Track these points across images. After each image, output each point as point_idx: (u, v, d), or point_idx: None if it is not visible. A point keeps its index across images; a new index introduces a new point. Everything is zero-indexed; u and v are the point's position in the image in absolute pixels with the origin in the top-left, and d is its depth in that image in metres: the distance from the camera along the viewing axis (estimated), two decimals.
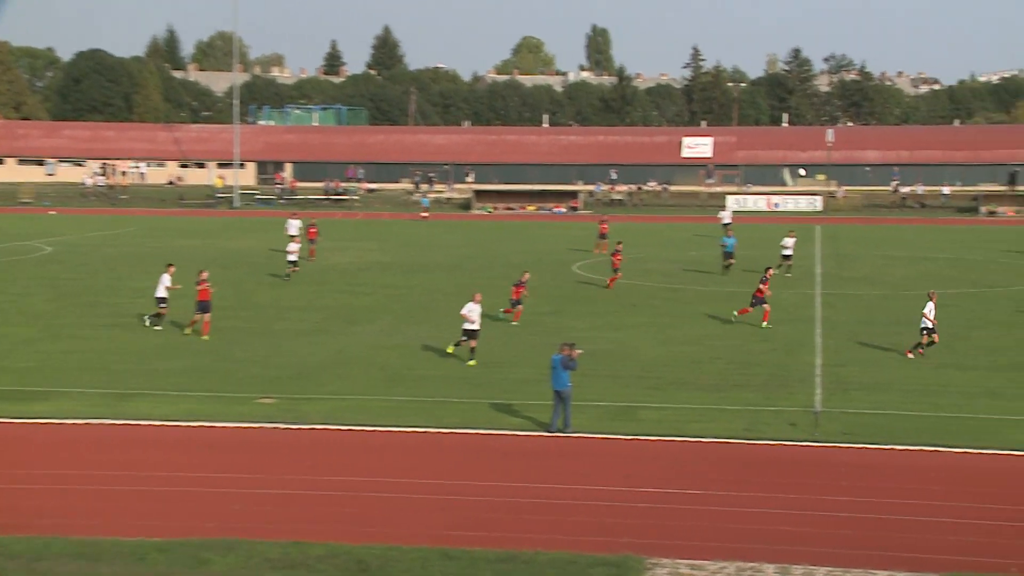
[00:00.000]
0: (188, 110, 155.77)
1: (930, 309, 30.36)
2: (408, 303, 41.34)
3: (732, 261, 48.44)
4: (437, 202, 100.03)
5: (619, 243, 46.39)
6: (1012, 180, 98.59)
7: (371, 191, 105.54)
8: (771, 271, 37.63)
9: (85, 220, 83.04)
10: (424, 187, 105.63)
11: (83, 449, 21.65)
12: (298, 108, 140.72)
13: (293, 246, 48.25)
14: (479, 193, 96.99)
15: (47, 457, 20.98)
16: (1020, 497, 18.76)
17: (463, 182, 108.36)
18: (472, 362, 29.62)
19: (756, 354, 31.18)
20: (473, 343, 30.04)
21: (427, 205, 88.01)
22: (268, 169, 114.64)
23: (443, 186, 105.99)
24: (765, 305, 35.63)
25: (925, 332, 30.19)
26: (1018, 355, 30.27)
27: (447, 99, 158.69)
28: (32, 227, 75.04)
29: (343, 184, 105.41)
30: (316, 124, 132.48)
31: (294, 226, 57.47)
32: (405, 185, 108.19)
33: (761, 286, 35.75)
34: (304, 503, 18.45)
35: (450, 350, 30.63)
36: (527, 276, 37.98)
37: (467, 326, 30.14)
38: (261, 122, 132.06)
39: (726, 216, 69.16)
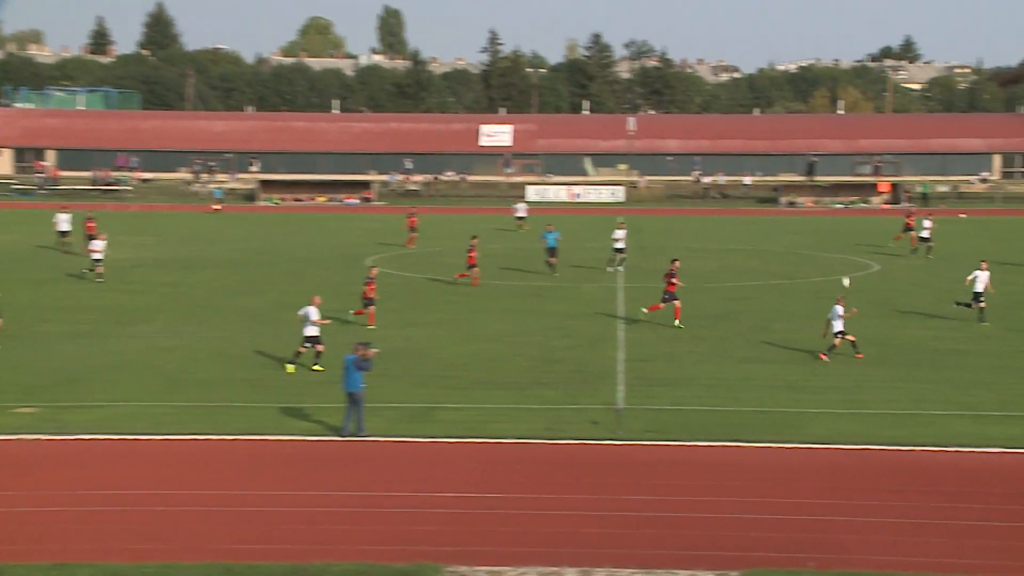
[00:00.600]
0: None
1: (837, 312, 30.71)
2: (188, 302, 40.37)
3: (555, 259, 47.46)
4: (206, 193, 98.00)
5: (473, 238, 45.36)
6: (810, 170, 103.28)
7: (146, 181, 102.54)
8: (676, 263, 36.23)
9: None
10: (205, 177, 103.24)
11: None
12: (60, 90, 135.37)
13: (97, 243, 45.87)
14: (265, 183, 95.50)
15: None
16: (818, 491, 19.70)
17: (247, 172, 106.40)
18: (318, 367, 28.73)
19: (558, 350, 31.76)
20: (320, 347, 29.08)
21: (220, 196, 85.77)
22: (27, 156, 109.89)
23: (225, 176, 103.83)
24: (676, 301, 35.19)
25: (839, 334, 30.53)
26: (817, 347, 31.75)
27: (228, 82, 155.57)
28: None
29: (114, 173, 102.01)
30: (82, 108, 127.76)
31: (64, 220, 55.32)
32: (183, 175, 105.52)
33: (673, 280, 35.52)
34: (69, 520, 17.80)
35: (290, 369, 28.88)
36: (375, 271, 37.19)
37: (308, 331, 29.14)
38: (18, 104, 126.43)
39: (521, 209, 69.61)
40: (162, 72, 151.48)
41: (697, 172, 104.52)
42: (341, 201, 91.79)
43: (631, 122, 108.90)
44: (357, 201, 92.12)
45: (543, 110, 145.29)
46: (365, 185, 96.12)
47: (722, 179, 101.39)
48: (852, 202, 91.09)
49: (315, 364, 28.90)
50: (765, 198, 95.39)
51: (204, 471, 20.62)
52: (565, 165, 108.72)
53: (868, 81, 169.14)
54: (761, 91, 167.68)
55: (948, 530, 17.74)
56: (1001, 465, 21.29)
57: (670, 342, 32.54)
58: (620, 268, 47.67)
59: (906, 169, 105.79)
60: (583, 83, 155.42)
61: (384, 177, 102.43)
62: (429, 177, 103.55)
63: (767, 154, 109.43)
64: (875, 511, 18.64)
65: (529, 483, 20.03)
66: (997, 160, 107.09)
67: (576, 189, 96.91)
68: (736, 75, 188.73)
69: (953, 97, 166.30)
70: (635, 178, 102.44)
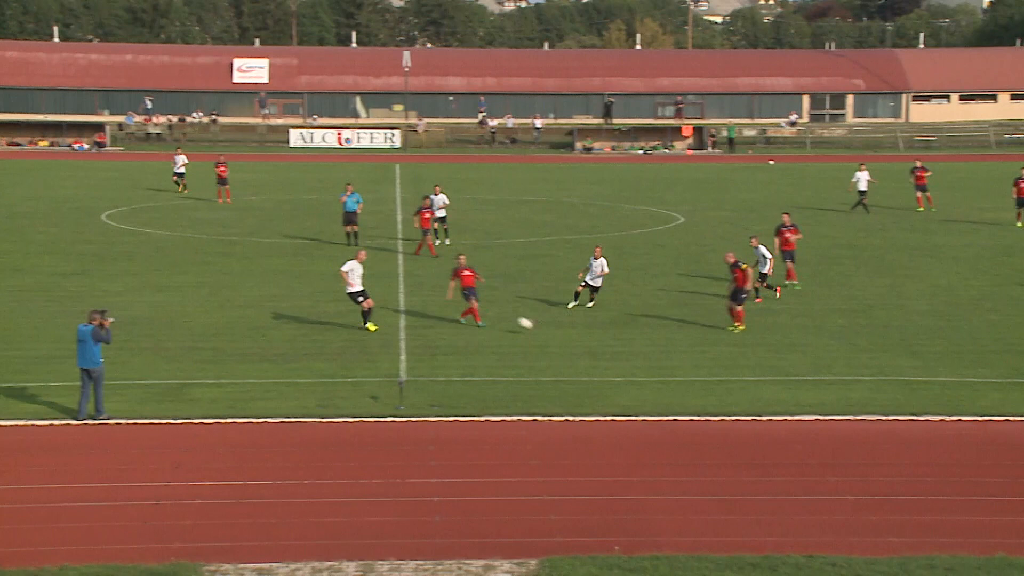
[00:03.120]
0: None
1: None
2: None
3: (355, 227, 43.65)
4: None
5: (426, 198, 42.44)
6: (608, 112, 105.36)
7: None
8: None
9: None
10: None
11: None
12: None
13: None
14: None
15: None
16: (623, 467, 20.28)
17: None
18: (372, 326, 29.96)
19: (330, 316, 31.68)
20: (367, 303, 30.12)
21: None
22: None
23: None
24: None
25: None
26: (619, 309, 32.59)
27: None
28: None
29: None
30: None
31: None
32: None
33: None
34: None
35: (372, 327, 30.03)
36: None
37: (349, 289, 30.11)
38: None
39: (179, 163, 60.81)
40: None
41: (482, 114, 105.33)
42: (69, 146, 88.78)
43: (406, 57, 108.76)
44: (87, 146, 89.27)
45: (304, 42, 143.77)
46: (97, 127, 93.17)
47: (510, 122, 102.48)
48: (654, 147, 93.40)
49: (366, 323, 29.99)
50: (559, 143, 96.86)
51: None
52: (333, 106, 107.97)
53: (667, 13, 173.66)
54: (551, 23, 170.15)
55: (761, 506, 18.55)
56: (815, 433, 22.36)
57: (456, 305, 32.82)
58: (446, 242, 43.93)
59: (710, 111, 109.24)
60: (350, 11, 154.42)
61: (120, 118, 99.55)
62: (173, 119, 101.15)
63: (560, 94, 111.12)
64: (685, 488, 19.34)
65: (300, 467, 19.98)
66: (806, 101, 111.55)
67: (346, 133, 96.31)
68: (523, 4, 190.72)
69: (757, 31, 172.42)
70: (413, 121, 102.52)
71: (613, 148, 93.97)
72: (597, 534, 17.32)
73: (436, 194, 43.68)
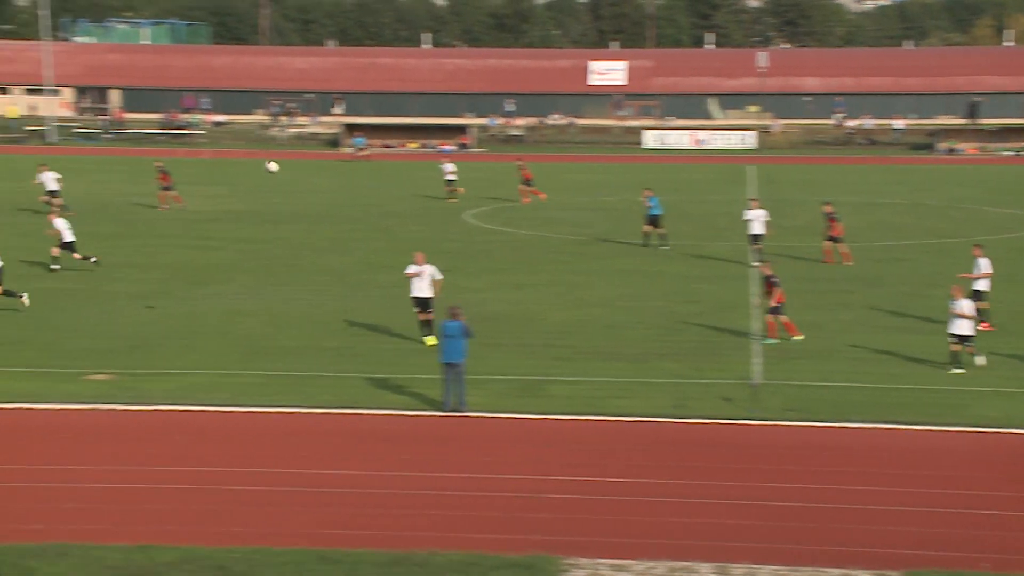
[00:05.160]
0: None
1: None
2: (268, 260, 41.01)
3: (661, 229, 43.30)
4: (299, 138, 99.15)
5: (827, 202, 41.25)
6: (973, 112, 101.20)
7: (219, 124, 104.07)
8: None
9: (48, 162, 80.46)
10: (283, 120, 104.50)
11: None
12: (123, 22, 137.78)
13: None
14: (350, 127, 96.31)
15: None
16: (991, 480, 19.40)
17: (329, 114, 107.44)
18: (430, 340, 27.99)
19: (682, 317, 31.66)
20: (425, 316, 28.49)
21: (362, 144, 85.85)
22: (89, 96, 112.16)
23: (306, 119, 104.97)
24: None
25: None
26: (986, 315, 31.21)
27: (306, 13, 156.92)
28: None
29: (184, 116, 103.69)
30: (146, 42, 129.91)
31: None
32: (260, 117, 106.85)
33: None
34: (149, 499, 18.29)
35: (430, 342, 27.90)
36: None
37: (416, 293, 28.50)
38: (77, 38, 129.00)
39: (448, 171, 59.38)
40: (233, 2, 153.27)
41: (840, 115, 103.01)
42: (435, 148, 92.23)
43: (762, 57, 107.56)
44: (453, 148, 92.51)
45: (661, 44, 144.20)
46: (461, 130, 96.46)
47: (869, 123, 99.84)
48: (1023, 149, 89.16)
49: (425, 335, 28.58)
50: (919, 144, 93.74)
51: (291, 448, 21.01)
52: (687, 107, 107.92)
53: None
54: (913, 20, 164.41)
55: None
56: None
57: (812, 310, 32.20)
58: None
59: None
60: (706, 13, 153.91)
61: (483, 121, 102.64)
62: (533, 120, 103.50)
63: (922, 93, 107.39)
64: None
65: (654, 466, 20.06)
66: None
67: (700, 135, 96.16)
68: (884, 2, 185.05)
69: None
70: (768, 122, 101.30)
71: (979, 149, 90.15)
72: (962, 549, 16.63)
73: (752, 208, 40.75)
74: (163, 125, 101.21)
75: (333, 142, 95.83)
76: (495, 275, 38.01)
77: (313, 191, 62.87)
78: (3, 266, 32.32)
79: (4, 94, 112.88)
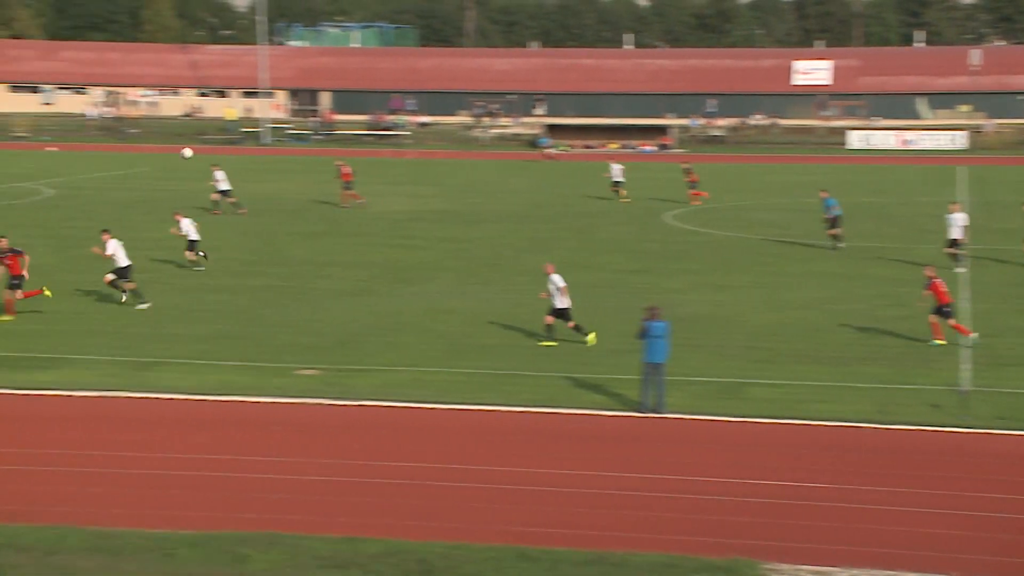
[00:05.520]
0: (205, 28, 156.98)
1: None
2: (470, 259, 41.55)
3: (840, 230, 42.81)
4: (501, 139, 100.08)
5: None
6: None
7: (423, 125, 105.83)
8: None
9: (90, 158, 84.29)
10: (486, 120, 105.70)
11: (98, 426, 22.11)
12: (334, 26, 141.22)
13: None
14: (551, 128, 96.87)
15: (57, 434, 21.47)
16: None
17: (531, 115, 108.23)
18: (591, 337, 28.45)
19: (887, 321, 30.97)
20: (570, 324, 28.50)
21: (548, 144, 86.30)
22: (301, 98, 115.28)
23: (508, 120, 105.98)
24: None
25: None
26: None
27: (510, 16, 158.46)
28: (29, 166, 76.35)
29: (390, 117, 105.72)
30: (356, 45, 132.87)
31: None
32: (463, 118, 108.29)
33: None
34: (355, 492, 18.73)
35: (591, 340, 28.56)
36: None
37: (558, 303, 28.49)
38: (292, 43, 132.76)
39: (617, 172, 59.25)
40: (440, 5, 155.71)
41: None
42: (635, 148, 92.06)
43: (975, 55, 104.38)
44: (653, 148, 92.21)
45: (868, 43, 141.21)
46: (662, 130, 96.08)
47: None
48: None
49: (585, 335, 28.65)
50: None
51: (491, 445, 21.27)
52: (894, 107, 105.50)
53: None
54: None
55: None
56: None
57: (1021, 315, 31.15)
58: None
59: None
60: (916, 10, 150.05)
61: (684, 121, 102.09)
62: (735, 121, 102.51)
63: None
64: None
65: (858, 472, 19.68)
66: None
67: (908, 135, 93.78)
68: None
69: None
70: (980, 121, 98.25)
71: None
72: None
73: (953, 211, 39.35)
74: (370, 126, 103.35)
75: (534, 143, 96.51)
76: (694, 276, 37.78)
77: (513, 191, 63.45)
78: (131, 265, 33.06)
79: (223, 97, 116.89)
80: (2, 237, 31.60)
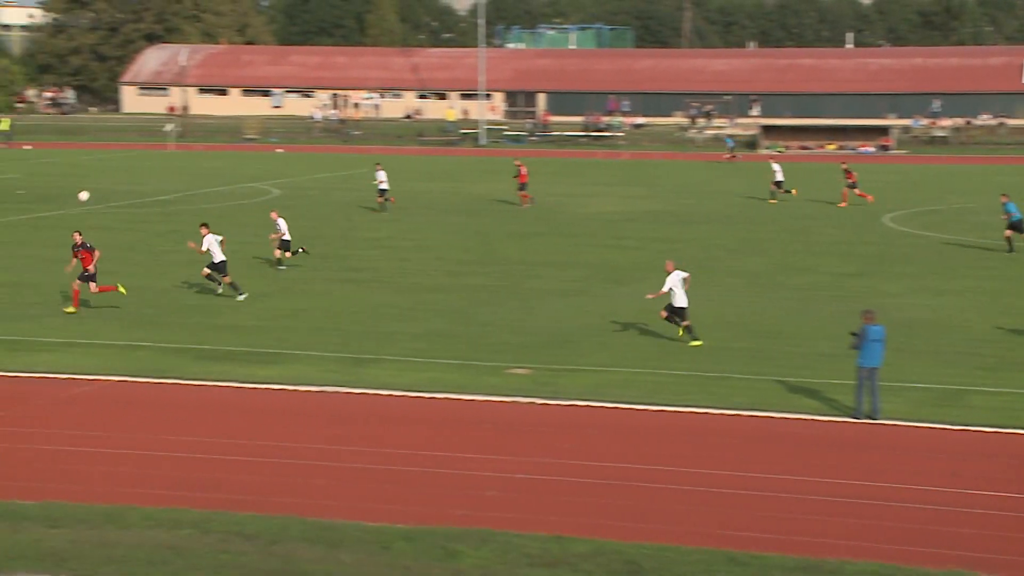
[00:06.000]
0: (427, 31, 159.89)
1: None
2: (682, 260, 40.99)
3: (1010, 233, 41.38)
4: (716, 140, 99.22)
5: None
6: None
7: (638, 126, 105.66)
8: None
9: (314, 159, 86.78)
10: (701, 122, 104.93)
11: (317, 419, 22.72)
12: (552, 28, 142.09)
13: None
14: (767, 129, 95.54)
15: (277, 427, 22.13)
16: None
17: (747, 116, 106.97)
18: (696, 342, 28.44)
19: None
20: (685, 323, 28.62)
21: (732, 145, 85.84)
22: (517, 100, 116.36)
23: (723, 120, 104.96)
24: None
25: None
26: None
27: (728, 16, 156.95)
28: (258, 167, 79.00)
29: (604, 118, 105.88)
30: (573, 47, 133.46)
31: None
32: (678, 119, 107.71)
33: None
34: (565, 491, 18.80)
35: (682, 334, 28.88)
36: None
37: (676, 301, 28.58)
38: (510, 45, 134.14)
39: (778, 172, 58.67)
40: (657, 6, 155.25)
41: None
42: (854, 149, 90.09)
43: None
44: (872, 149, 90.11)
45: None
46: (882, 131, 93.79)
47: None
48: None
49: (692, 340, 28.53)
50: None
51: (701, 447, 21.08)
52: None
53: None
54: None
55: None
56: None
57: None
58: None
59: None
60: None
61: (906, 122, 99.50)
62: (960, 121, 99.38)
63: None
64: None
65: None
66: None
67: None
68: None
69: None
70: None
71: None
72: None
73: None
74: (585, 127, 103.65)
75: (750, 144, 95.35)
76: (913, 280, 36.78)
77: (726, 192, 62.84)
78: (225, 260, 33.93)
79: (442, 99, 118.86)
80: (76, 232, 32.82)
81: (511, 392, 24.44)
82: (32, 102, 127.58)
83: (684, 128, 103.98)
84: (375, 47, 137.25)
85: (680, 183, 67.90)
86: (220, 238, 34.00)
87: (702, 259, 41.27)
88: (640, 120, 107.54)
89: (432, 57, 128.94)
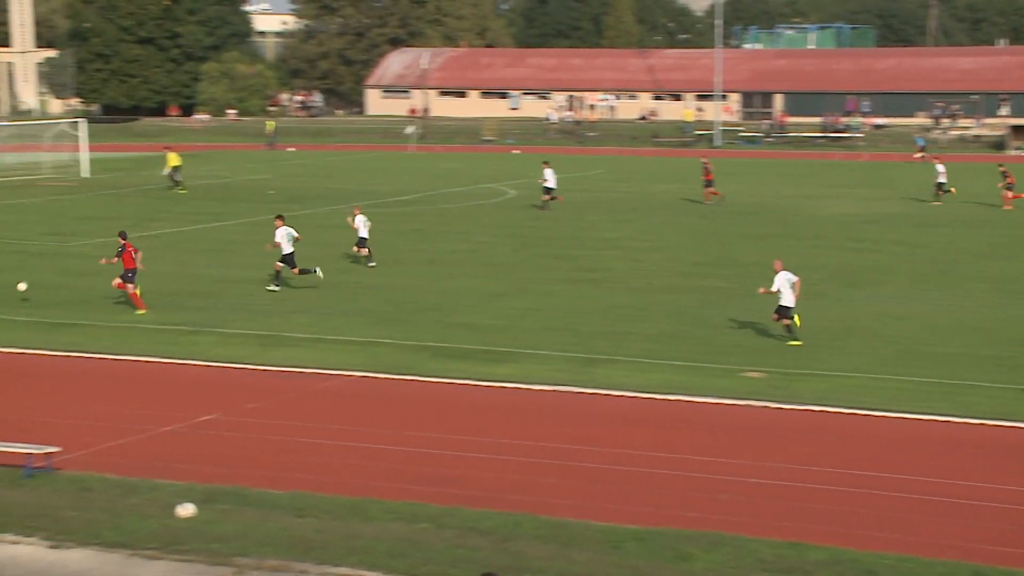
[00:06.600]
0: (664, 33, 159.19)
1: None
2: (924, 264, 40.05)
3: None
4: (962, 140, 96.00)
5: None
6: None
7: (878, 127, 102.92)
8: None
9: (553, 161, 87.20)
10: (945, 122, 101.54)
11: (549, 418, 22.82)
12: (791, 28, 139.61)
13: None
14: (1016, 129, 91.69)
15: (511, 425, 22.32)
16: None
17: (995, 116, 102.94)
18: (795, 342, 28.20)
19: None
20: (786, 321, 28.43)
21: (923, 144, 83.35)
22: (753, 101, 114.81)
23: (969, 121, 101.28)
24: None
25: None
26: None
27: (977, 12, 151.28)
28: (495, 168, 79.98)
29: (843, 119, 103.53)
30: (812, 47, 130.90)
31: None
32: (921, 120, 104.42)
33: None
34: (799, 497, 18.41)
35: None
36: None
37: (784, 301, 28.55)
38: (747, 45, 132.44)
39: (940, 173, 57.86)
40: (900, 3, 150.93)
41: None
42: None
43: None
44: None
45: None
46: None
47: None
48: None
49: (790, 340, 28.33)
50: None
51: (944, 456, 20.38)
52: None
53: None
54: None
55: None
56: None
57: None
58: None
59: None
60: None
61: None
62: None
63: None
64: None
65: None
66: None
67: None
68: None
69: None
70: None
71: None
72: None
73: None
74: (822, 128, 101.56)
75: (997, 145, 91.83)
76: None
77: (973, 194, 60.60)
78: (293, 252, 35.05)
79: (677, 100, 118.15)
80: (121, 231, 33.36)
81: (744, 395, 24.09)
82: (284, 105, 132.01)
83: (927, 129, 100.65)
84: (611, 48, 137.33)
85: (921, 185, 65.78)
86: (294, 232, 35.20)
87: (944, 263, 40.10)
88: (881, 121, 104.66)
89: (668, 58, 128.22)
